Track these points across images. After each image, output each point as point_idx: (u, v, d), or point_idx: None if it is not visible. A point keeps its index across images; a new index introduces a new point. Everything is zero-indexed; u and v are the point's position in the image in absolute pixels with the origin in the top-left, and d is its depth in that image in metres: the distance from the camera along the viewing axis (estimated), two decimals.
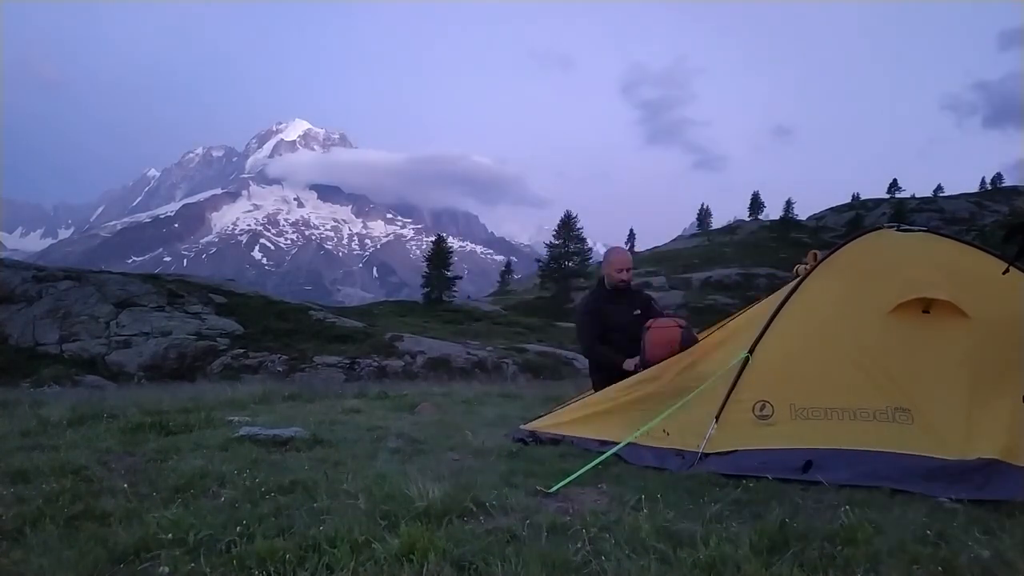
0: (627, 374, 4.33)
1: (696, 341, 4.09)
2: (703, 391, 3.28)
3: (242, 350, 22.72)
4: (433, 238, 48.86)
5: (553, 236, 53.56)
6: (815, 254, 3.86)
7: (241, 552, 1.94)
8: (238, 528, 2.10)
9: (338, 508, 2.36)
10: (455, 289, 44.48)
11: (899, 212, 65.45)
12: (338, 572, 1.85)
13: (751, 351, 3.33)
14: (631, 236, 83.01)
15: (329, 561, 1.89)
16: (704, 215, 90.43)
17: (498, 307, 46.96)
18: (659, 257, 65.40)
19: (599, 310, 5.05)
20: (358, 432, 4.14)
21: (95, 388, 15.48)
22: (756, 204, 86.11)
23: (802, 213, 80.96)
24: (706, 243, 76.51)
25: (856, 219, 67.16)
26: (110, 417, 4.53)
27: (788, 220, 75.95)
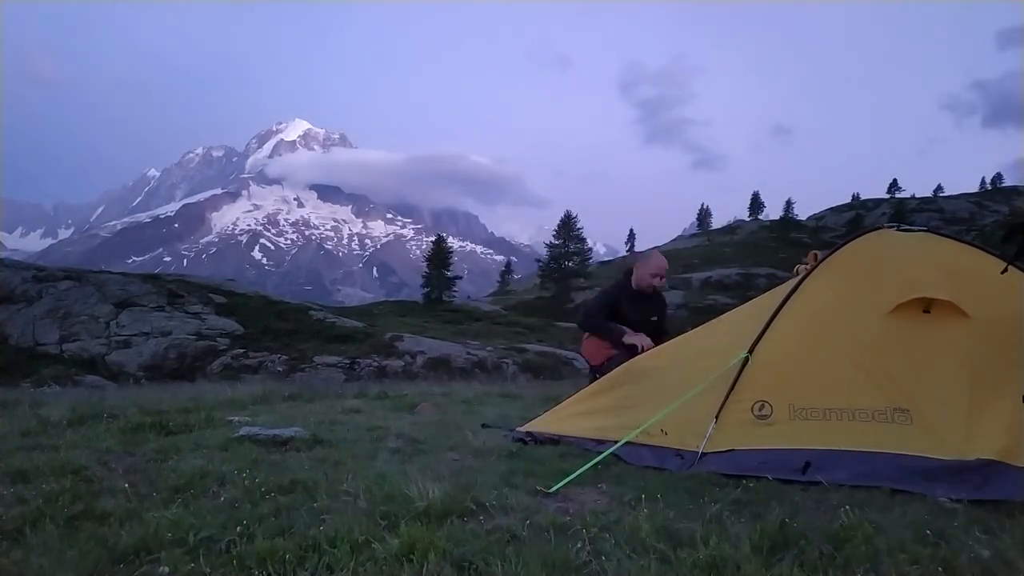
0: (618, 357, 4.35)
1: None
2: (702, 391, 3.28)
3: (242, 350, 22.74)
4: (433, 238, 48.90)
5: (553, 236, 53.61)
6: (815, 254, 3.86)
7: (241, 552, 1.94)
8: (238, 528, 2.10)
9: (338, 508, 2.36)
10: (455, 289, 44.51)
11: (899, 212, 65.50)
12: (338, 572, 1.84)
13: (751, 351, 3.33)
14: (631, 236, 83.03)
15: (329, 561, 1.89)
16: (704, 215, 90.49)
17: (498, 307, 46.97)
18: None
19: (618, 301, 5.03)
20: (358, 432, 4.14)
21: (95, 388, 15.49)
22: (756, 204, 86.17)
23: (802, 213, 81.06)
24: (706, 243, 76.56)
25: (856, 219, 67.21)
26: (110, 417, 4.52)
27: (788, 220, 76.01)
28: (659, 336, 4.91)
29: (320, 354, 22.81)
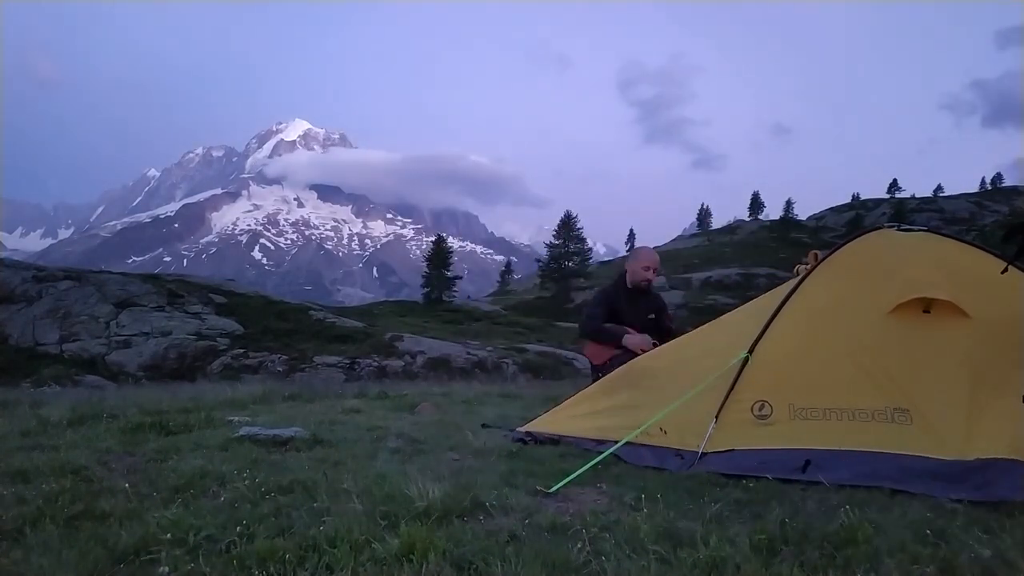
0: (621, 357, 4.38)
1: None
2: (702, 391, 3.28)
3: (242, 350, 22.75)
4: (433, 238, 48.92)
5: (553, 236, 53.62)
6: (815, 254, 3.86)
7: (241, 552, 1.94)
8: (238, 528, 2.10)
9: (338, 508, 2.36)
10: (455, 289, 44.53)
11: (899, 212, 65.54)
12: (338, 572, 1.84)
13: (751, 351, 3.33)
14: (631, 236, 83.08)
15: (329, 561, 1.88)
16: (704, 215, 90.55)
17: (498, 307, 46.98)
18: (659, 257, 65.32)
19: (615, 302, 5.06)
20: (358, 432, 4.14)
21: (95, 388, 15.50)
22: (756, 204, 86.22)
23: (802, 213, 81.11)
24: (706, 243, 76.58)
25: (856, 219, 67.25)
26: (110, 417, 4.52)
27: (788, 220, 76.04)
28: (660, 333, 4.93)
29: (320, 354, 22.82)
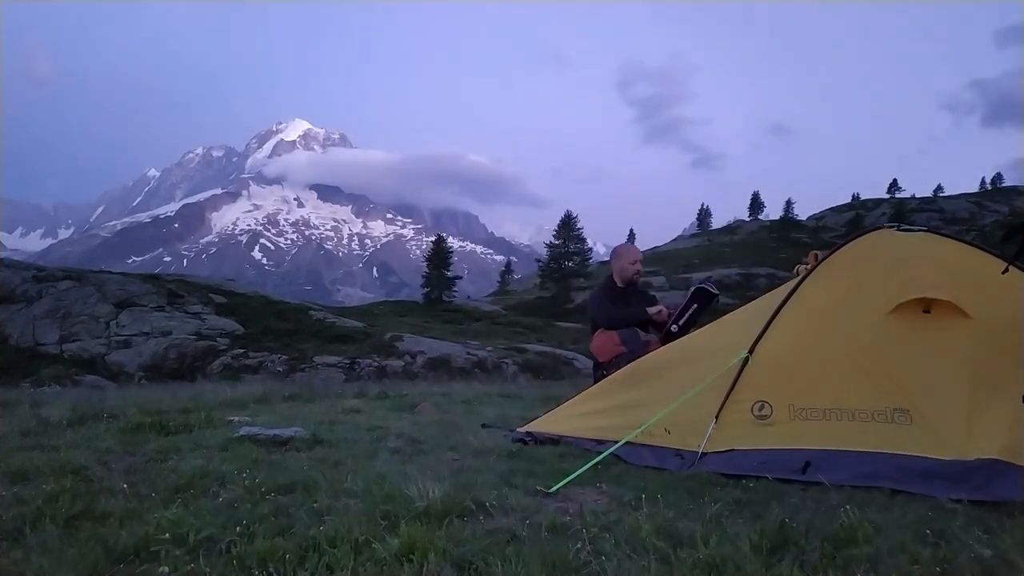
0: (626, 356, 4.48)
1: (641, 343, 4.64)
2: (702, 390, 3.28)
3: (242, 350, 22.73)
4: (433, 238, 48.92)
5: (553, 236, 53.61)
6: (815, 254, 3.86)
7: (241, 552, 1.94)
8: (238, 528, 2.10)
9: (338, 508, 2.36)
10: (455, 289, 44.52)
11: (899, 212, 65.54)
12: (338, 572, 1.84)
13: (751, 351, 3.33)
14: (631, 236, 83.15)
15: (329, 561, 1.89)
16: (704, 215, 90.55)
17: (498, 307, 46.98)
18: (659, 257, 65.42)
19: (612, 301, 5.15)
20: (358, 432, 4.14)
21: (95, 388, 15.49)
22: (756, 204, 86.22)
23: (802, 213, 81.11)
24: (706, 243, 76.59)
25: (856, 219, 67.24)
26: (110, 417, 4.52)
27: (788, 220, 76.04)
28: (658, 324, 5.04)
29: (320, 354, 22.80)
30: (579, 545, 2.00)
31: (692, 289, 5.03)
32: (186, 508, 2.35)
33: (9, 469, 2.89)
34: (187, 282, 30.02)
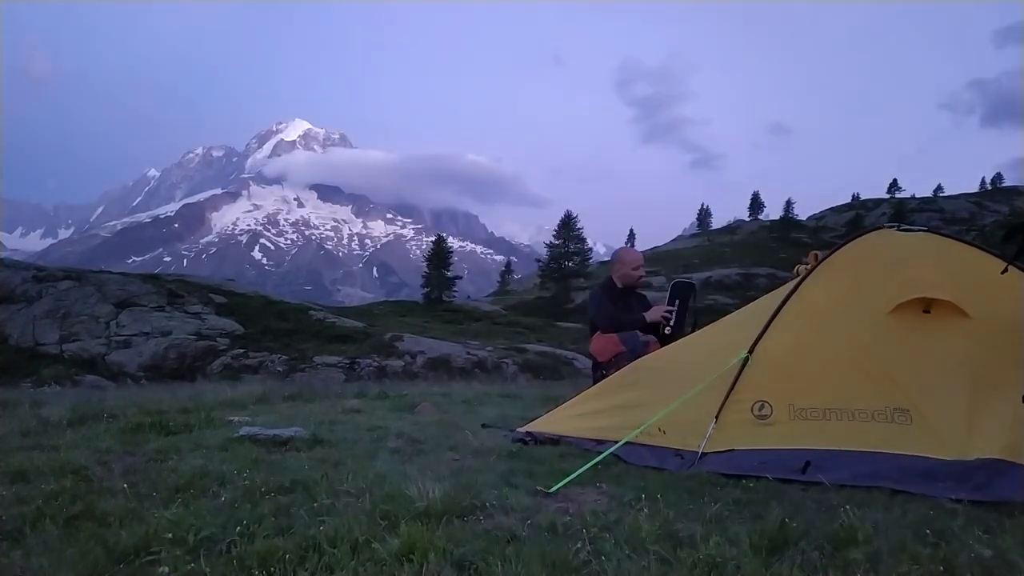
0: (626, 356, 4.51)
1: (641, 343, 4.73)
2: (702, 390, 3.28)
3: (242, 350, 22.73)
4: (433, 238, 48.91)
5: (553, 236, 53.60)
6: (815, 254, 3.87)
7: (241, 552, 1.94)
8: (238, 528, 2.10)
9: (338, 508, 2.36)
10: (455, 289, 44.51)
11: (899, 212, 65.53)
12: (338, 572, 1.84)
13: (751, 351, 3.33)
14: (631, 236, 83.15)
15: (329, 561, 1.89)
16: (704, 215, 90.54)
17: (498, 307, 46.97)
18: (659, 257, 65.41)
19: (612, 302, 5.17)
20: (358, 432, 4.14)
21: (95, 388, 15.49)
22: (756, 204, 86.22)
23: (802, 213, 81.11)
24: (706, 243, 76.59)
25: (856, 219, 67.24)
26: (110, 417, 4.53)
27: (788, 220, 76.03)
28: (655, 326, 5.06)
29: (320, 354, 22.80)
30: (579, 545, 2.00)
31: (670, 288, 5.11)
32: (186, 508, 2.35)
33: (9, 469, 2.89)
34: (187, 282, 30.02)
